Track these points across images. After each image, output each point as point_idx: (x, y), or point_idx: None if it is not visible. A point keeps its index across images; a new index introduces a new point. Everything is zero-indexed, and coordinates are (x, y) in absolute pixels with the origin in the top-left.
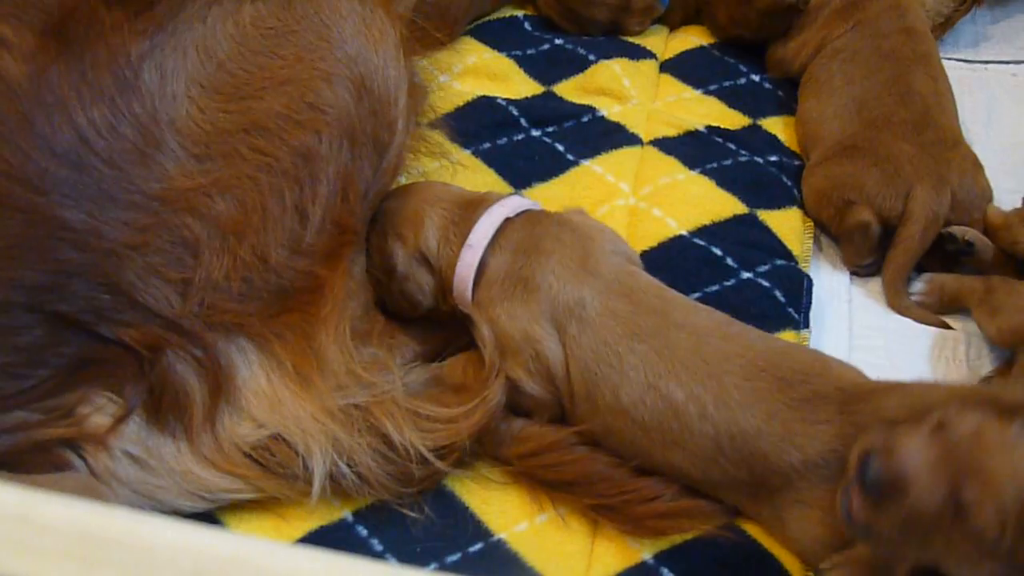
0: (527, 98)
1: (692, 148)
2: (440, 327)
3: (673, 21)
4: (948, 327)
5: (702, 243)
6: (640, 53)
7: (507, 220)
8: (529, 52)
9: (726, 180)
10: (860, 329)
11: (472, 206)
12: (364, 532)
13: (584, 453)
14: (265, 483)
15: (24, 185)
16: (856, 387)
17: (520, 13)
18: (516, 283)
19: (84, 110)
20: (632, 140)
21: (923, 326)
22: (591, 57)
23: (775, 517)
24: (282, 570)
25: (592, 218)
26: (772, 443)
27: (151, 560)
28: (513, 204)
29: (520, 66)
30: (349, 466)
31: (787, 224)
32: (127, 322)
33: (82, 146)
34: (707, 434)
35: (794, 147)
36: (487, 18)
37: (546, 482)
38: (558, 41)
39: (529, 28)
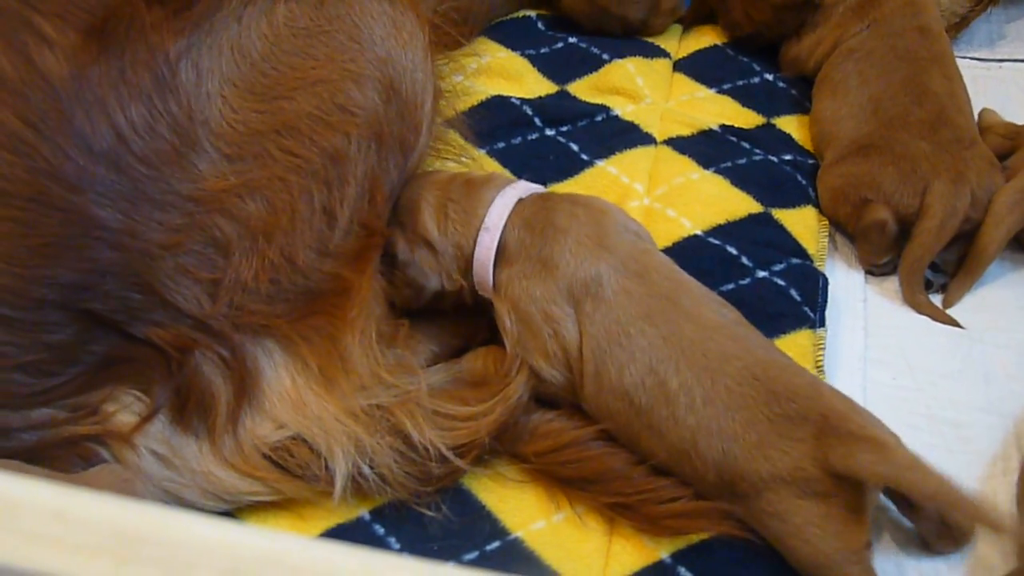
0: (541, 97)
1: (706, 147)
2: (458, 326)
3: (686, 19)
4: (960, 326)
5: (717, 242)
6: (654, 52)
7: (519, 201)
8: (543, 51)
9: (740, 179)
10: (875, 328)
11: (474, 184)
12: (381, 530)
13: (602, 450)
14: (284, 485)
15: (62, 184)
16: (841, 421)
17: (533, 13)
18: (534, 262)
19: (123, 109)
20: (646, 139)
21: (938, 326)
22: (605, 56)
23: (752, 521)
24: (317, 567)
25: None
26: (745, 450)
27: (186, 557)
28: (524, 186)
29: (534, 65)
30: (371, 467)
31: (802, 223)
32: (157, 322)
33: (120, 145)
34: (689, 426)
35: (808, 146)
36: (500, 18)
37: (563, 479)
38: (572, 40)
39: (542, 28)
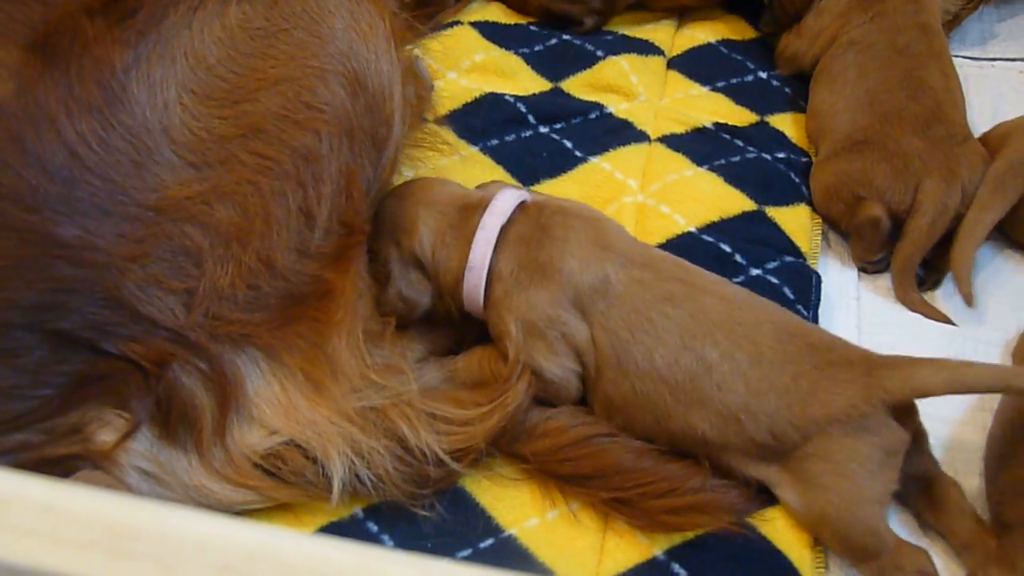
0: (535, 95)
1: (700, 145)
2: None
3: None
4: (952, 323)
5: (711, 240)
6: (648, 49)
7: (501, 228)
8: (537, 48)
9: (734, 177)
10: (869, 325)
11: (469, 210)
12: (375, 528)
13: (601, 446)
14: (278, 492)
15: (16, 203)
16: (884, 357)
17: (525, 21)
18: (533, 272)
19: (73, 124)
20: (640, 137)
21: (931, 323)
22: (599, 53)
23: (782, 475)
24: (309, 561)
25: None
26: (799, 398)
27: (179, 551)
28: (503, 208)
29: (527, 63)
30: (367, 468)
31: (795, 221)
32: (130, 336)
33: (73, 161)
34: (737, 391)
35: (802, 144)
36: (495, 20)
37: (561, 476)
38: (566, 37)
39: (536, 29)
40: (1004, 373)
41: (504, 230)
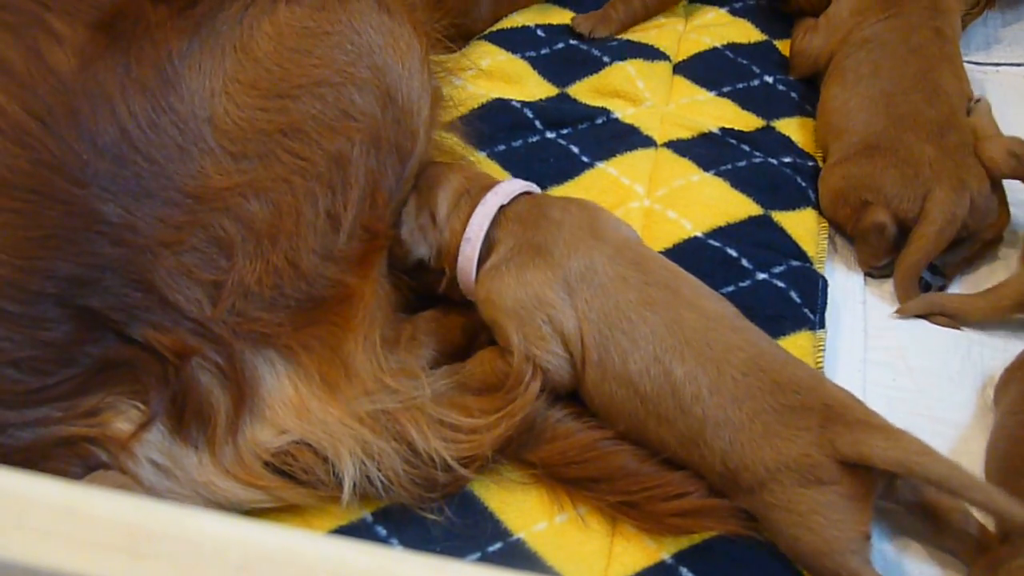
0: (541, 100)
1: (706, 150)
2: (460, 326)
3: None
4: (957, 327)
5: (717, 244)
6: (654, 55)
7: (502, 208)
8: (543, 52)
9: (740, 182)
10: (875, 330)
11: (485, 188)
12: (384, 532)
13: (609, 449)
14: (287, 492)
15: (66, 176)
16: (845, 410)
17: (532, 23)
18: (527, 251)
19: (127, 104)
20: (646, 142)
21: (937, 327)
22: (605, 59)
23: (755, 511)
24: (326, 563)
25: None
26: (751, 439)
27: (198, 553)
28: (506, 191)
29: (534, 68)
30: (378, 470)
31: (802, 225)
32: (156, 323)
33: (123, 140)
34: (696, 416)
35: (808, 148)
36: (501, 26)
37: (569, 480)
38: (572, 42)
39: (542, 35)
40: (958, 478)
41: (505, 209)
